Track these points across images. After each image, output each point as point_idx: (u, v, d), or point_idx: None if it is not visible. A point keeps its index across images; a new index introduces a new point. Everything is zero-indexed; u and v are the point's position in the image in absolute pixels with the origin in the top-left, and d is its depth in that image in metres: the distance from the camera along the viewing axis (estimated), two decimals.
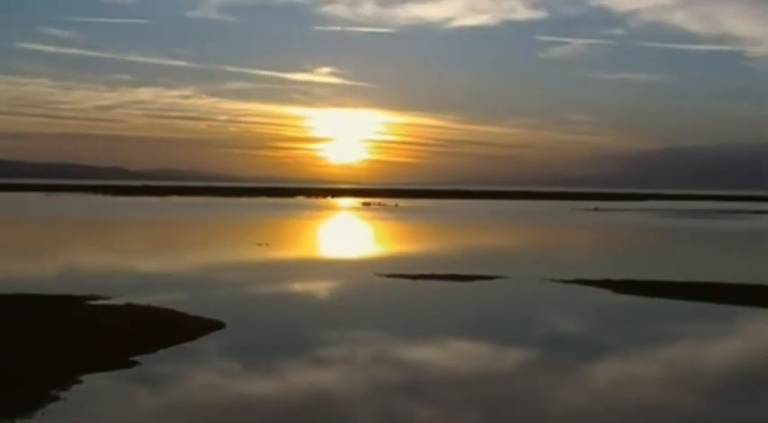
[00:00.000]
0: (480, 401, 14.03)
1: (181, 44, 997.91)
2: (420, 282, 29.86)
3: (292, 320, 21.96)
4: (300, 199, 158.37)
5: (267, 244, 45.94)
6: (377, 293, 27.38)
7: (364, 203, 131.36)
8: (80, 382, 14.52)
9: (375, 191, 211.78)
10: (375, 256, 42.68)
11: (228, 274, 32.64)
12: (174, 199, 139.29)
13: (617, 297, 26.86)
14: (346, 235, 62.67)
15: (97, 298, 24.07)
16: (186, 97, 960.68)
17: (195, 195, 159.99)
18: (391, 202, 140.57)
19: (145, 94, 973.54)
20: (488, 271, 33.02)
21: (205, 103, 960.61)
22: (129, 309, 22.12)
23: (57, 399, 13.43)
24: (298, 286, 28.97)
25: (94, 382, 14.62)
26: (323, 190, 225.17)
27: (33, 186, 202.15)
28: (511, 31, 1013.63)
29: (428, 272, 32.29)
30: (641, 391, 14.87)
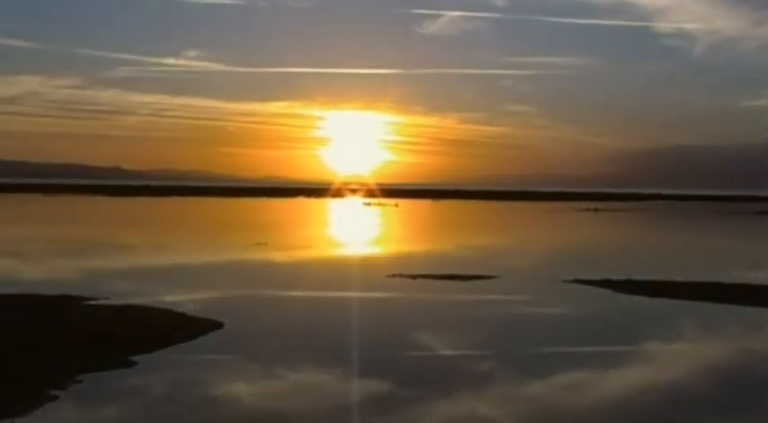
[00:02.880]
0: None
1: (9, 19, 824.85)
2: (420, 281, 29.87)
3: (291, 321, 21.95)
4: (301, 199, 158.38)
5: (266, 244, 45.94)
6: (378, 294, 27.30)
7: (365, 204, 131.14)
8: (80, 382, 14.51)
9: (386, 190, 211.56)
10: (374, 256, 42.68)
11: (227, 274, 32.64)
12: (175, 199, 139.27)
13: (617, 296, 26.84)
14: (345, 234, 62.64)
15: (97, 298, 24.05)
16: (80, 88, 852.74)
17: (194, 196, 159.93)
18: (391, 202, 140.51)
19: (30, 83, 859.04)
20: (489, 271, 33.07)
21: (109, 95, 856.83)
22: (129, 309, 22.11)
23: (56, 399, 13.42)
24: (296, 287, 28.93)
25: (94, 382, 14.61)
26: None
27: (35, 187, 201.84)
28: (369, 1, 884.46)
29: (427, 272, 32.35)
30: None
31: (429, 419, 12.91)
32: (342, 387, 14.89)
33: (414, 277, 30.83)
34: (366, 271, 34.27)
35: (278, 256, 40.26)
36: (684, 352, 18.88)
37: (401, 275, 31.33)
